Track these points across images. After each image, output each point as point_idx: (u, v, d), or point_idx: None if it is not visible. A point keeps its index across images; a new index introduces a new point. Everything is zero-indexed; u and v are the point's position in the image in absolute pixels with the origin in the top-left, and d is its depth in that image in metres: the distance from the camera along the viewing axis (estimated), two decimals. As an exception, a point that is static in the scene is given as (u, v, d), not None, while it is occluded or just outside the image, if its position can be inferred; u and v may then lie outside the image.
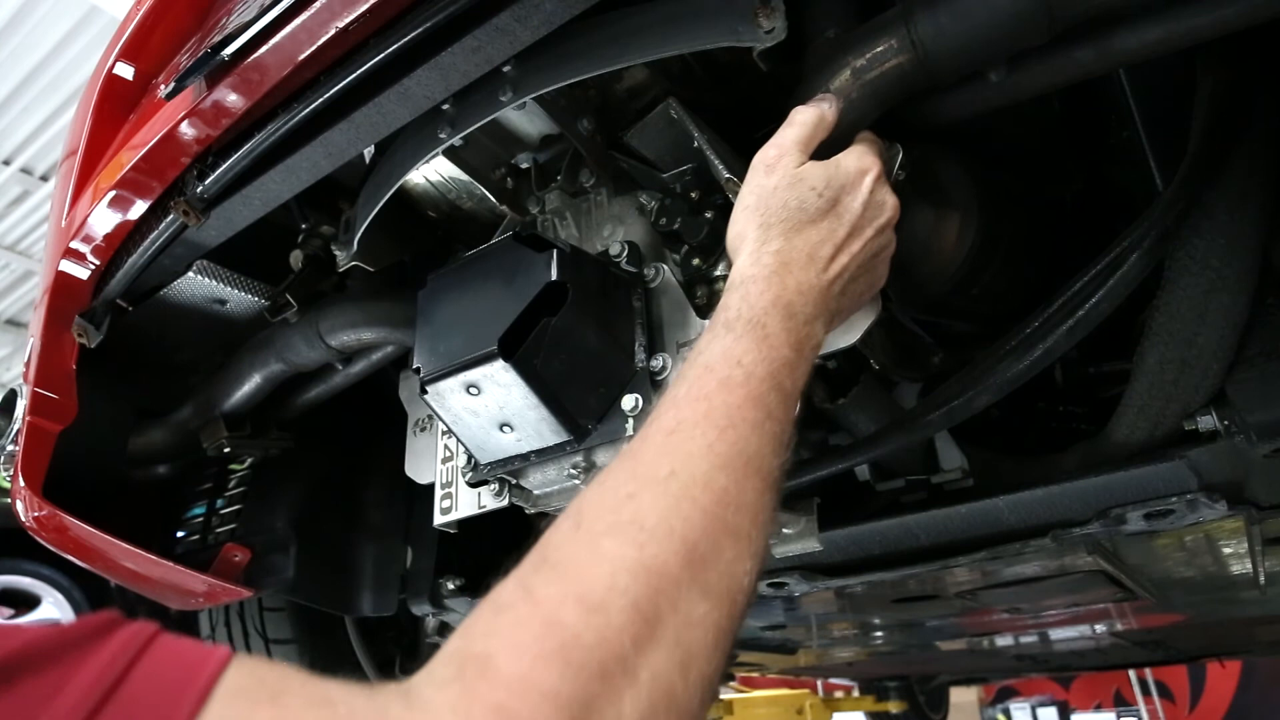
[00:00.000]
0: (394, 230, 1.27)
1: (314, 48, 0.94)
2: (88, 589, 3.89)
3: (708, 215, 1.01)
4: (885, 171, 0.84)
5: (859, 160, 0.82)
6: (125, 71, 1.34)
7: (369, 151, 1.15)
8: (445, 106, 1.00)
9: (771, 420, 0.65)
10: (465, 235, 1.32)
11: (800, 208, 0.77)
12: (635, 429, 0.92)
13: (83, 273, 1.29)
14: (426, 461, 1.31)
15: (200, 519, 1.78)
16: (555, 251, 0.88)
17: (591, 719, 0.46)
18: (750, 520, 0.59)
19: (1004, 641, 2.66)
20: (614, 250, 1.03)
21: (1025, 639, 2.58)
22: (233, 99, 1.03)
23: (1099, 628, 2.38)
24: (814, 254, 0.76)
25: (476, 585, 1.70)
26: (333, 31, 0.92)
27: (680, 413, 0.64)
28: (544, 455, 0.96)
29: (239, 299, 1.42)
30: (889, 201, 0.82)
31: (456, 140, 1.02)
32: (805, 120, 0.83)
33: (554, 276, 0.87)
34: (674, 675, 0.50)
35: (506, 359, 0.85)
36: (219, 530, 1.74)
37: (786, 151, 0.81)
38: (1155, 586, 1.57)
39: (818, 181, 0.78)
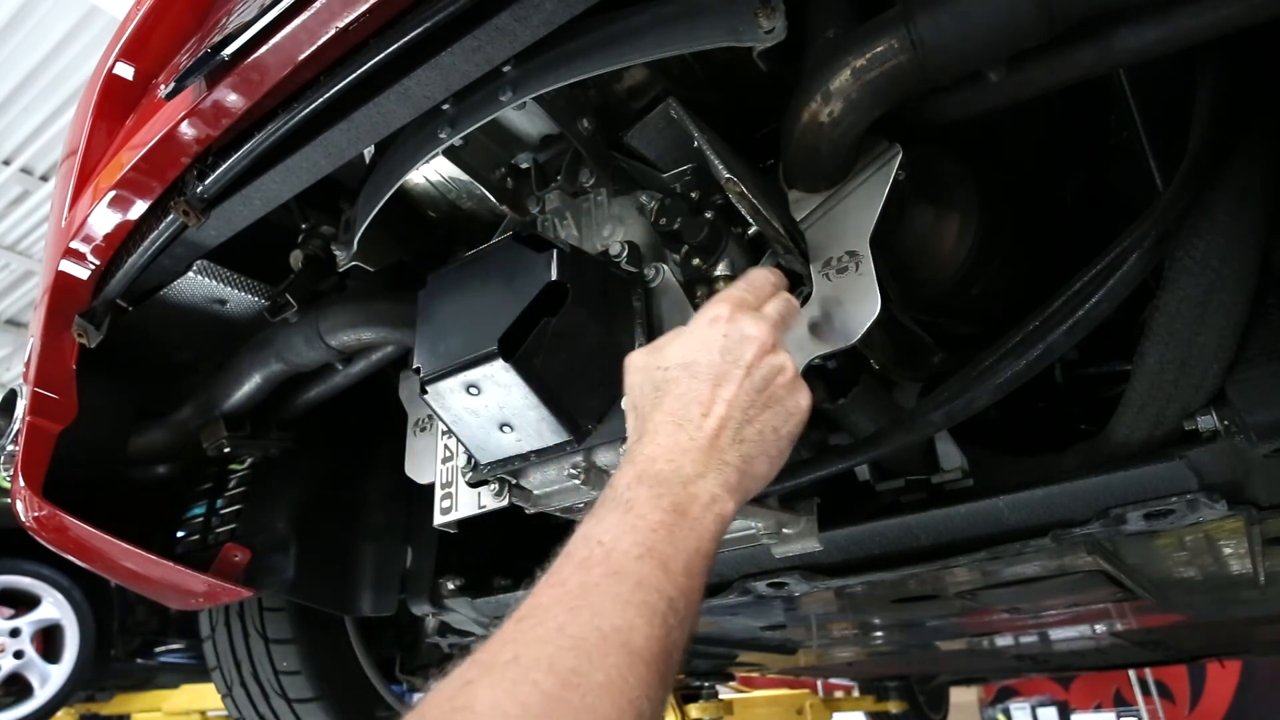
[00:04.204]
0: (394, 230, 1.27)
1: (314, 48, 0.94)
2: (88, 589, 3.90)
3: (708, 215, 1.01)
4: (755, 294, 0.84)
5: (710, 315, 0.81)
6: (125, 71, 1.34)
7: (369, 151, 1.15)
8: (445, 106, 1.00)
9: (644, 590, 0.61)
10: (465, 235, 1.32)
11: (655, 385, 0.78)
12: (635, 429, 0.92)
13: (83, 273, 1.29)
14: (426, 461, 1.31)
15: (200, 519, 1.78)
16: (555, 251, 0.88)
17: None
18: (611, 701, 0.55)
19: (1004, 641, 2.66)
20: (614, 250, 1.03)
21: (1025, 639, 2.58)
22: (233, 99, 1.03)
23: (1099, 628, 2.38)
24: (681, 417, 0.74)
25: (476, 585, 1.70)
26: (333, 31, 0.92)
27: (534, 599, 0.61)
28: (544, 455, 0.96)
29: (239, 299, 1.42)
30: (750, 330, 0.79)
31: (456, 140, 1.02)
32: (685, 323, 0.83)
33: (554, 276, 0.87)
34: None
35: (506, 359, 0.85)
36: (219, 530, 1.74)
37: (653, 346, 0.82)
38: (1155, 586, 1.57)
39: (667, 357, 0.79)
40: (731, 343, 0.78)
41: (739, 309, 0.81)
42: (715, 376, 0.76)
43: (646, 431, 0.75)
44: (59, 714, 3.94)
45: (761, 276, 0.87)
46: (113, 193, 1.18)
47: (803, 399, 0.80)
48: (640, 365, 0.81)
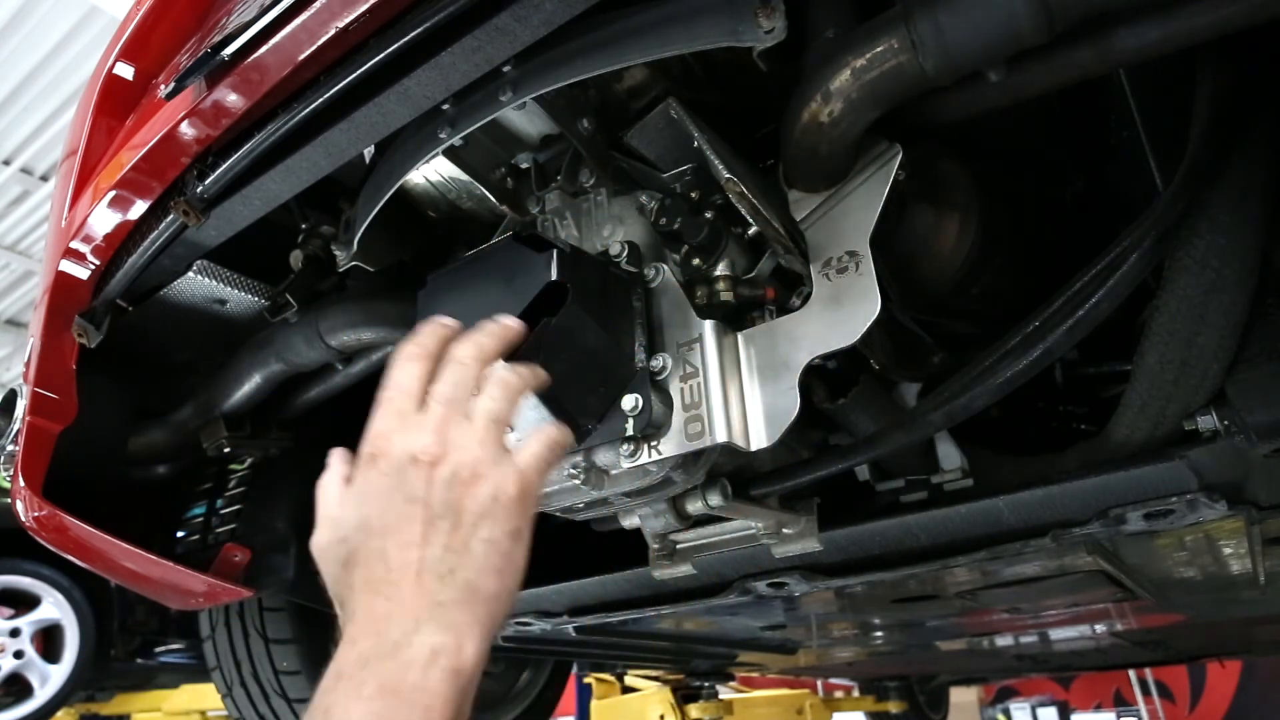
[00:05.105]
0: (394, 230, 1.27)
1: (314, 48, 0.94)
2: (88, 589, 3.89)
3: (708, 215, 1.01)
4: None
5: (366, 453, 0.71)
6: (125, 71, 1.34)
7: (369, 151, 1.15)
8: (445, 106, 1.00)
9: None
10: (465, 235, 1.32)
11: (341, 564, 0.68)
12: (635, 429, 0.92)
13: (83, 273, 1.29)
14: (426, 461, 1.31)
15: (200, 519, 1.79)
16: (555, 251, 0.88)
17: None
18: None
19: (1004, 641, 2.66)
20: (614, 250, 1.03)
21: (1025, 639, 2.59)
22: (233, 99, 1.03)
23: (1099, 628, 2.38)
24: (373, 584, 0.64)
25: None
26: (333, 31, 0.92)
27: None
28: (544, 455, 0.96)
29: (239, 299, 1.42)
30: (409, 446, 0.68)
31: (456, 140, 1.02)
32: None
33: (554, 276, 0.87)
34: None
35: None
36: (219, 530, 1.74)
37: (325, 517, 0.71)
38: (1155, 586, 1.57)
39: (343, 525, 0.69)
40: (393, 479, 0.67)
41: (395, 425, 0.70)
42: (393, 525, 0.65)
43: (348, 619, 0.64)
44: (59, 714, 3.94)
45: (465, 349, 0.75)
46: (113, 193, 1.18)
47: (507, 481, 0.68)
48: (323, 549, 0.70)
